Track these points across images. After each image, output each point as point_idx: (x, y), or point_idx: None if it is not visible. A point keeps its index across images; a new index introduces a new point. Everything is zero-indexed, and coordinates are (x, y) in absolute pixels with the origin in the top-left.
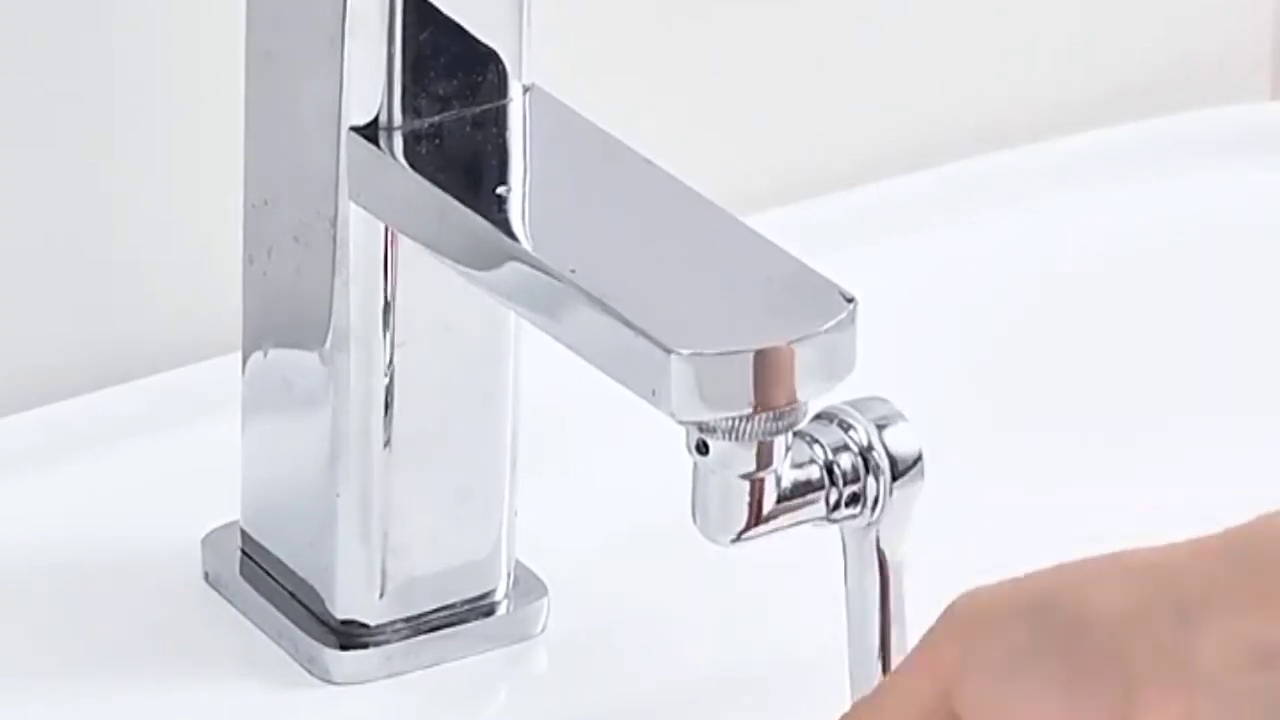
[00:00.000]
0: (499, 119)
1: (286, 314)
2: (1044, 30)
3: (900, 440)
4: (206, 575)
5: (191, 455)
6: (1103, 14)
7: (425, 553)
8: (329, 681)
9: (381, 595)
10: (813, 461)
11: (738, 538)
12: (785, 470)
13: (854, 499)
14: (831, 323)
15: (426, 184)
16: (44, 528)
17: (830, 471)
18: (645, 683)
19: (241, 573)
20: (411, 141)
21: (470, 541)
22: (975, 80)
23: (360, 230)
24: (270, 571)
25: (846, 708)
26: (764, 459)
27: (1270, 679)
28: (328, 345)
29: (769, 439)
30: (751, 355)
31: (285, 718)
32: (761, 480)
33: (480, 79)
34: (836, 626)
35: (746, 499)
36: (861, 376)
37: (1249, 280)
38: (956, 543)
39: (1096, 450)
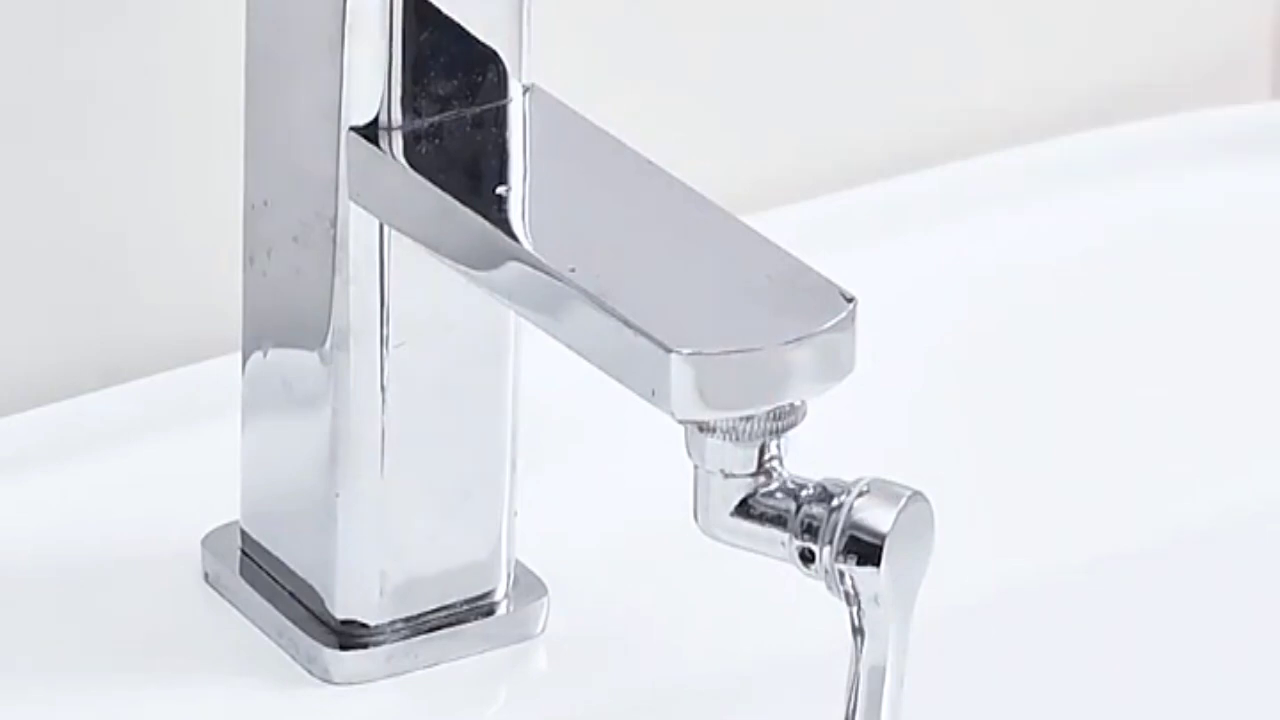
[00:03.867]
0: (499, 119)
1: (286, 314)
2: (1045, 30)
3: (867, 518)
4: (206, 575)
5: (191, 455)
6: (1103, 14)
7: (425, 553)
8: (329, 681)
9: (381, 595)
10: (789, 496)
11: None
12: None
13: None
14: (831, 323)
15: (426, 184)
16: (44, 528)
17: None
18: (645, 682)
19: (241, 573)
20: (411, 141)
21: (470, 541)
22: (975, 80)
23: (360, 230)
24: (270, 571)
25: (845, 709)
26: (763, 459)
27: None
28: (327, 345)
29: (769, 439)
30: (751, 355)
31: (285, 718)
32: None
33: (480, 79)
34: (837, 627)
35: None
36: (861, 376)
37: (1249, 280)
38: (955, 538)
39: (1097, 448)
